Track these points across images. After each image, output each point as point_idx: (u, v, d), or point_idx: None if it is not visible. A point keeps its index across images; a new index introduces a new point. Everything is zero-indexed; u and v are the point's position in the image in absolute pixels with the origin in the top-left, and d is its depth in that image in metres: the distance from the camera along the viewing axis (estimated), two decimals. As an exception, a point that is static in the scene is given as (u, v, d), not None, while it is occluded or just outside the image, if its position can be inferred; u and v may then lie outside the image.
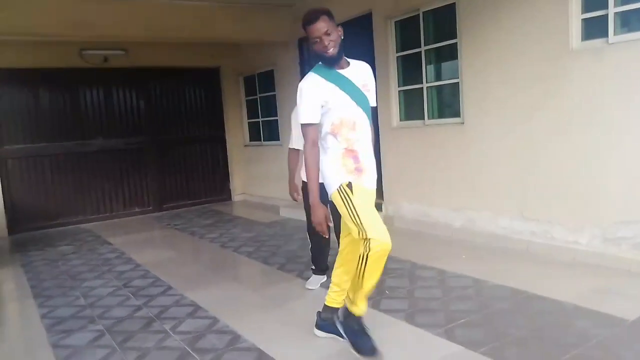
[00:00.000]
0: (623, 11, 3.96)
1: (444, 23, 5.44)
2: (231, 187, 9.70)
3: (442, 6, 5.36)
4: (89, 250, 6.22)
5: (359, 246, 2.64)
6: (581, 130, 4.24)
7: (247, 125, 9.73)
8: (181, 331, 3.42)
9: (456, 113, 5.40)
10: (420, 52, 5.70)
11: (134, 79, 8.54)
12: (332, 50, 2.58)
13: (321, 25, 2.55)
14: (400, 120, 6.13)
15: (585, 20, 4.18)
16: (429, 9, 5.51)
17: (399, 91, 6.10)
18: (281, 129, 8.45)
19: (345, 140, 2.67)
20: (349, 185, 2.64)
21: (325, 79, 2.64)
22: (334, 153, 2.69)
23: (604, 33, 4.03)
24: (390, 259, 4.74)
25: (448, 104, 5.68)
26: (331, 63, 2.65)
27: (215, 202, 9.42)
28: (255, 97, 9.32)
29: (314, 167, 2.66)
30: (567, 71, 4.27)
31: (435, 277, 4.15)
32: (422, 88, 5.75)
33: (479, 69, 5.00)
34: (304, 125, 2.65)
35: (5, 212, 7.55)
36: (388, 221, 6.24)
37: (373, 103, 2.82)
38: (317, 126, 2.67)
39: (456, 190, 5.40)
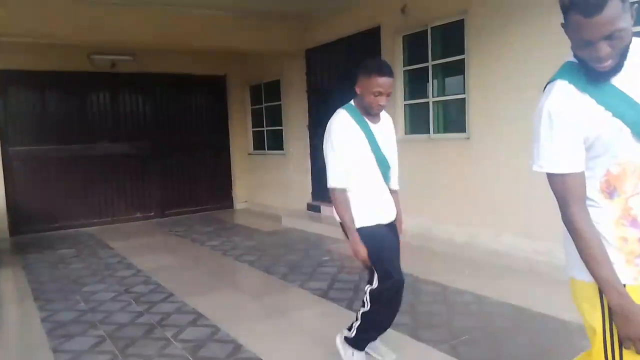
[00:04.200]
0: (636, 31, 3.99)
1: (452, 39, 5.48)
2: (234, 195, 9.70)
3: (450, 22, 5.41)
4: (90, 254, 6.21)
5: None
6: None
7: (251, 133, 9.76)
8: (183, 339, 3.40)
9: (462, 128, 5.41)
10: (427, 67, 5.73)
11: (141, 85, 8.58)
12: (610, 62, 1.40)
13: (613, 14, 1.31)
14: (406, 133, 6.14)
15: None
16: (438, 24, 5.55)
17: (404, 105, 6.13)
18: (285, 139, 8.49)
19: (626, 202, 1.48)
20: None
21: (589, 94, 1.45)
22: (603, 219, 1.50)
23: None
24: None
25: (454, 119, 5.70)
26: (600, 78, 1.45)
27: (218, 209, 9.42)
28: (261, 106, 9.36)
29: (595, 240, 1.45)
30: (574, 90, 4.28)
31: (438, 292, 4.14)
32: (428, 102, 5.78)
33: (486, 85, 5.02)
34: (556, 178, 1.49)
35: (8, 213, 7.55)
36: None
37: None
38: (581, 176, 1.48)
39: (460, 205, 5.40)
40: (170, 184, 8.95)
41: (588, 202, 1.51)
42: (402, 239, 2.88)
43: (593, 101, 1.44)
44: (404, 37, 6.05)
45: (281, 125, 8.62)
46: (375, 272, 2.65)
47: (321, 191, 7.08)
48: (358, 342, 2.82)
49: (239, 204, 9.67)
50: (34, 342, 3.52)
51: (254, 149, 9.70)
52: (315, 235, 6.54)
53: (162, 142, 8.84)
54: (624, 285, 1.43)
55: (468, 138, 5.27)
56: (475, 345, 3.12)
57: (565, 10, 1.38)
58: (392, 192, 2.85)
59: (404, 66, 6.08)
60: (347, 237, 2.66)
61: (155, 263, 5.60)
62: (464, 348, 3.08)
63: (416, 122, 6.09)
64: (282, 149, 8.62)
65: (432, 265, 5.01)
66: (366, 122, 2.62)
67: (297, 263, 5.33)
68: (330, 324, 3.41)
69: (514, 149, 4.81)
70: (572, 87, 1.45)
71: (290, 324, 3.67)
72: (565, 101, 1.44)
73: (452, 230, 5.51)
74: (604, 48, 1.35)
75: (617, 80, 1.45)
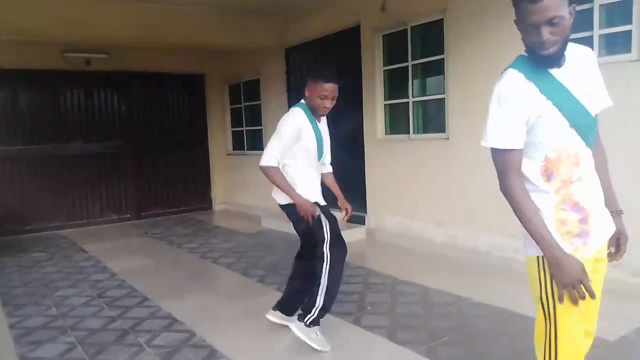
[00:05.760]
0: (607, 33, 4.01)
1: (431, 38, 5.47)
2: (212, 196, 9.57)
3: (430, 21, 5.39)
4: (63, 258, 6.04)
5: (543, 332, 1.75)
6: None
7: (230, 133, 9.64)
8: (156, 345, 3.31)
9: (441, 128, 5.40)
10: (407, 66, 5.71)
11: (116, 83, 8.37)
12: (552, 48, 1.60)
13: (553, 2, 1.55)
14: (386, 133, 6.12)
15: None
16: (417, 23, 5.53)
17: (384, 105, 6.10)
18: (265, 139, 8.39)
19: (562, 183, 1.70)
20: None
21: (535, 83, 1.66)
22: (544, 204, 1.72)
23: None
24: (371, 273, 4.73)
25: (433, 118, 5.69)
26: (545, 64, 1.66)
27: (196, 210, 9.27)
28: (240, 105, 9.25)
29: (528, 203, 1.69)
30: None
31: (417, 293, 4.11)
32: (408, 102, 5.76)
33: (465, 84, 5.01)
34: (497, 152, 1.71)
35: (-22, 215, 7.32)
36: (370, 234, 6.22)
37: (599, 106, 1.78)
38: (519, 153, 1.69)
39: (439, 205, 5.39)
40: (147, 184, 8.76)
41: (530, 187, 1.72)
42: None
43: (537, 89, 1.65)
44: (383, 36, 6.01)
45: (261, 125, 8.53)
46: (327, 235, 3.16)
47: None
48: (320, 314, 3.06)
49: (217, 205, 9.55)
50: (0, 349, 3.39)
51: (233, 149, 9.59)
52: (294, 236, 6.39)
53: (138, 142, 8.65)
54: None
55: (447, 138, 5.26)
56: (455, 347, 3.08)
57: (517, 2, 1.62)
58: (327, 174, 3.47)
59: (384, 66, 6.05)
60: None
61: (131, 266, 5.47)
62: (443, 350, 3.05)
63: (396, 122, 6.06)
64: (261, 149, 8.47)
65: (411, 265, 4.98)
66: (314, 119, 3.17)
67: (275, 265, 5.25)
68: (308, 327, 3.34)
69: (492, 148, 4.80)
70: (521, 75, 1.66)
71: (267, 328, 3.59)
72: (513, 86, 1.66)
73: (431, 230, 5.49)
74: (546, 33, 1.57)
75: (559, 76, 1.67)
